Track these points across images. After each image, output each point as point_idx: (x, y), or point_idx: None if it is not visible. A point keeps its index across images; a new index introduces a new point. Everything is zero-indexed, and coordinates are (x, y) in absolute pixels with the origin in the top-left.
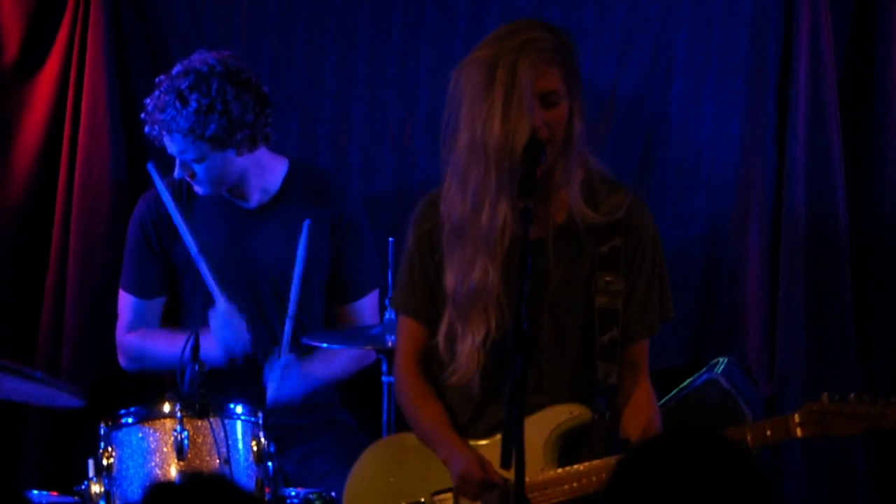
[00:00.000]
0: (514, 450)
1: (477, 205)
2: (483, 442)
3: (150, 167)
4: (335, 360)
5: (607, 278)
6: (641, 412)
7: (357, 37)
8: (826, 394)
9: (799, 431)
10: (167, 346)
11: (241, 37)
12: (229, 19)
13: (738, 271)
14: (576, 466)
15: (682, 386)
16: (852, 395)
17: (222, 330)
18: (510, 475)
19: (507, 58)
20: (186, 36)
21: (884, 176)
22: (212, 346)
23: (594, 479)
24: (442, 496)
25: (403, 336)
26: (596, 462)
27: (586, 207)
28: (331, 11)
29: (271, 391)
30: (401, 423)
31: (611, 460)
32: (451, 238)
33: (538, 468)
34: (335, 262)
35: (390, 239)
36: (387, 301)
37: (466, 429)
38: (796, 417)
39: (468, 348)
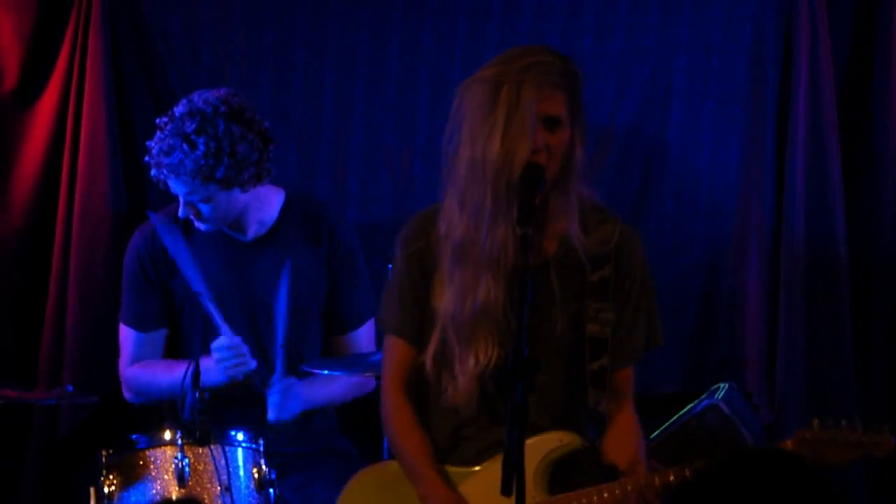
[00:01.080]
0: (515, 476)
1: (477, 225)
2: (475, 468)
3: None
4: (334, 384)
5: (598, 307)
6: (627, 439)
7: (355, 65)
8: (817, 420)
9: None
10: (168, 375)
11: (238, 65)
12: (227, 47)
13: (738, 298)
14: (567, 494)
15: (682, 412)
16: (844, 422)
17: (226, 359)
18: (510, 502)
19: (513, 78)
20: (185, 64)
21: (883, 203)
22: (214, 371)
23: None
24: None
25: (391, 357)
26: (588, 489)
27: (584, 237)
28: (329, 39)
29: (273, 410)
30: None
31: (602, 487)
32: (452, 258)
33: (529, 496)
34: (331, 293)
35: (390, 266)
36: None
37: (450, 453)
38: (789, 445)
39: (471, 369)
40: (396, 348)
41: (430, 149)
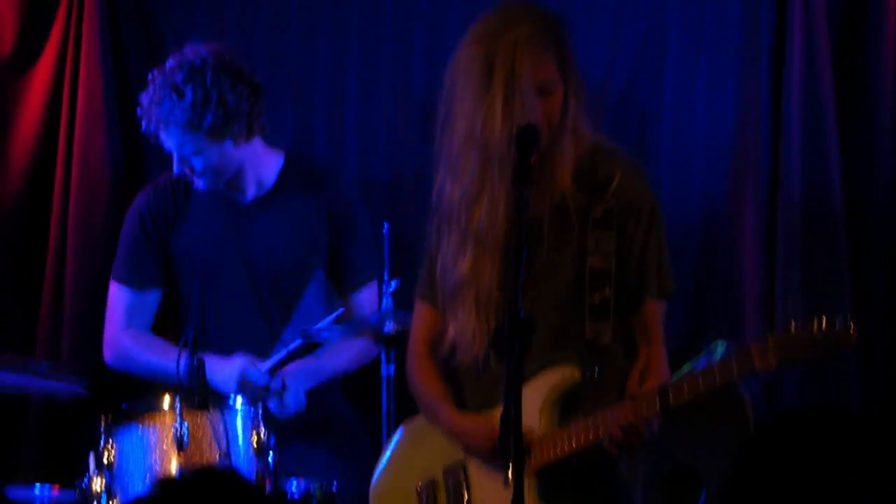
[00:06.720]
0: (513, 439)
1: (472, 197)
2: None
3: None
4: (339, 356)
5: (599, 239)
6: (649, 373)
7: (350, 24)
8: (795, 323)
9: (761, 362)
10: (160, 359)
11: (234, 26)
12: (222, 9)
13: (735, 255)
14: (570, 426)
15: (680, 371)
16: (799, 322)
17: (251, 391)
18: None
19: (503, 55)
20: (180, 27)
21: (879, 155)
22: (229, 383)
23: (585, 436)
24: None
25: (416, 319)
26: (586, 419)
27: (574, 188)
28: (324, 1)
29: (275, 407)
30: (400, 416)
31: (600, 414)
32: (442, 227)
33: (541, 432)
34: (332, 256)
35: (385, 223)
36: (389, 288)
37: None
38: (770, 343)
39: (468, 332)
40: (420, 310)
41: (427, 106)
